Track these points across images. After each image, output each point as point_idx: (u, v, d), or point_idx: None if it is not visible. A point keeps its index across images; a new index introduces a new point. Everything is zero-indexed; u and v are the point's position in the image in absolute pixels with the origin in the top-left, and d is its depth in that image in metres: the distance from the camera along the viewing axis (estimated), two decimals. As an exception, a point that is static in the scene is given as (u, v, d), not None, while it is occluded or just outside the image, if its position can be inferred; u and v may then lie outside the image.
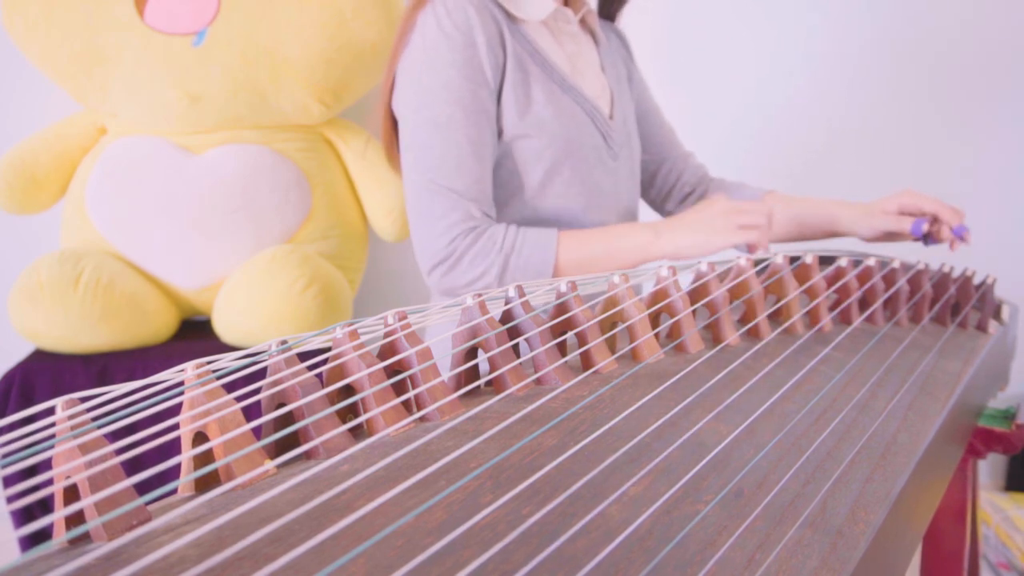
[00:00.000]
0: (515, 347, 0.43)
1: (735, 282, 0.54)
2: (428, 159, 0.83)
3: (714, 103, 1.68)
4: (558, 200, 0.90)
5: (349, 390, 0.37)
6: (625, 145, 0.97)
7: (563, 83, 0.89)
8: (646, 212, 1.10)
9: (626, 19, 1.10)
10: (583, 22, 0.98)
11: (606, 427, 0.36)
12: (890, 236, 0.96)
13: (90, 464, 0.28)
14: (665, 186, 1.12)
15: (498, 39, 0.85)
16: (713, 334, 0.51)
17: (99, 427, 0.29)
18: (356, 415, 0.38)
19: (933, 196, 0.93)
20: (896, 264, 0.66)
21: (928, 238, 0.92)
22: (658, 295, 0.50)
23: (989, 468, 1.78)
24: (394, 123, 0.91)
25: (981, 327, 0.72)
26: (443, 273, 0.84)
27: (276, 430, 0.36)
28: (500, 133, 0.87)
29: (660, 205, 1.14)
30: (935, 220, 0.92)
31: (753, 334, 0.53)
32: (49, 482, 0.29)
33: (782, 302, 0.57)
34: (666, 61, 1.58)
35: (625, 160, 0.98)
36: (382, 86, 0.90)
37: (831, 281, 0.62)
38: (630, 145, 0.99)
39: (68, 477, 0.29)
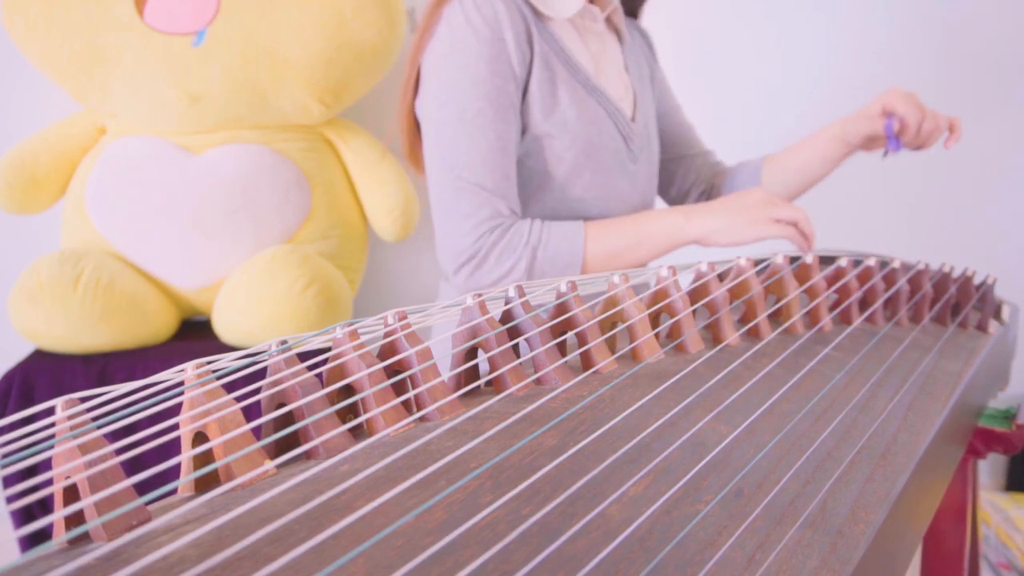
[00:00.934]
0: (515, 347, 0.43)
1: (735, 282, 0.54)
2: (454, 155, 0.81)
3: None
4: (577, 203, 0.89)
5: (349, 390, 0.37)
6: (645, 148, 0.96)
7: (588, 84, 0.88)
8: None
9: (643, 16, 1.10)
10: (609, 20, 0.97)
11: (606, 427, 0.36)
12: (872, 141, 0.95)
13: (90, 464, 0.28)
14: (685, 184, 1.11)
15: (525, 35, 0.84)
16: (713, 334, 0.51)
17: (99, 427, 0.29)
18: (356, 415, 0.38)
19: (917, 100, 0.90)
20: (896, 264, 0.66)
21: (898, 141, 0.90)
22: (658, 295, 0.50)
23: (989, 468, 1.78)
24: (417, 120, 0.88)
25: (981, 327, 0.72)
26: (470, 272, 0.83)
27: (276, 430, 0.36)
28: (523, 130, 0.85)
29: (679, 204, 1.13)
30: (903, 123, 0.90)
31: (753, 334, 0.53)
32: (49, 482, 0.29)
33: (782, 302, 0.57)
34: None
35: (644, 163, 0.96)
36: (404, 82, 0.88)
37: (831, 281, 0.62)
38: (650, 148, 0.98)
39: (68, 477, 0.29)
